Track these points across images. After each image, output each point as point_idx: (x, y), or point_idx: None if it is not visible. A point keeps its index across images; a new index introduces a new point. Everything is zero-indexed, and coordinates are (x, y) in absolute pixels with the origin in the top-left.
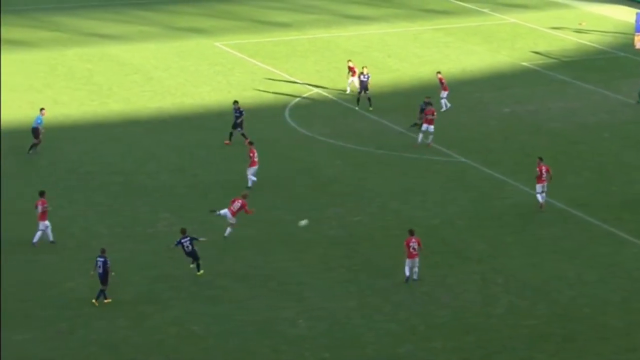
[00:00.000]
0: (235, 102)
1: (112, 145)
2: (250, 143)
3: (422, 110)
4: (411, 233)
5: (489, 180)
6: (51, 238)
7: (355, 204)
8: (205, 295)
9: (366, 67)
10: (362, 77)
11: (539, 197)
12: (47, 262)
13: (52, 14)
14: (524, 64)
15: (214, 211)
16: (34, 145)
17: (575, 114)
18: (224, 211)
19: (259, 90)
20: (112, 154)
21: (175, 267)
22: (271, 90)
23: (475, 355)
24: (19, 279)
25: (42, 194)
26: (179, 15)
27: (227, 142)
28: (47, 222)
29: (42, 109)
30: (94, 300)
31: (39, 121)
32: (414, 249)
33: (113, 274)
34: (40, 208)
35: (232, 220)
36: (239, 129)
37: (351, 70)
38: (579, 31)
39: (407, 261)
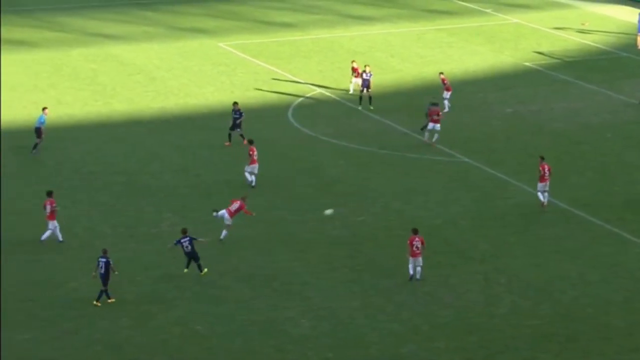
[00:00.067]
0: (235, 103)
1: (115, 146)
2: (250, 142)
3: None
4: (414, 232)
5: (492, 180)
6: (60, 238)
7: (359, 204)
8: (209, 295)
9: (368, 65)
10: (364, 75)
11: (539, 195)
12: (50, 262)
13: (56, 14)
14: (527, 64)
15: (216, 212)
16: (37, 145)
17: (577, 114)
18: (222, 212)
19: (262, 90)
20: (116, 154)
21: (179, 267)
22: (274, 91)
23: (478, 355)
24: (22, 279)
25: (49, 193)
26: (182, 15)
27: (228, 143)
28: (55, 222)
29: (44, 108)
30: (95, 302)
31: (42, 120)
32: (417, 247)
33: (116, 273)
34: (48, 208)
35: (229, 221)
36: (237, 129)
37: (355, 71)
38: (581, 31)
39: (410, 260)
